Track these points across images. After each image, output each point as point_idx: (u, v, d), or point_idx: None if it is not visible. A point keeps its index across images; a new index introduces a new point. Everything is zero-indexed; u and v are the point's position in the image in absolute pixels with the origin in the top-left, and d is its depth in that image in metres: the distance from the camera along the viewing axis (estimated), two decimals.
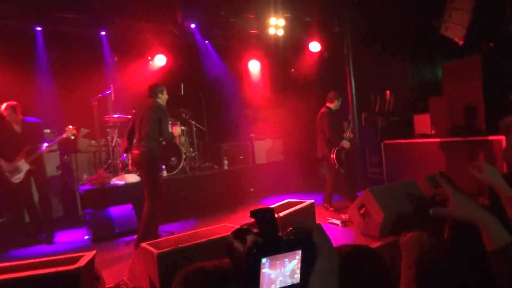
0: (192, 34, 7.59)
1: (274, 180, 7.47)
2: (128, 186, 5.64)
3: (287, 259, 0.74)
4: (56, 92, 6.65)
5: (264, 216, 0.77)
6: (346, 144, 5.57)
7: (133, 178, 5.75)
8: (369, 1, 6.84)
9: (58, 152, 6.28)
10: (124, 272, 3.70)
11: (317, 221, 4.63)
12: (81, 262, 2.77)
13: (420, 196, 4.19)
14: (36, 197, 5.24)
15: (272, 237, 0.75)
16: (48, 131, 5.85)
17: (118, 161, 6.14)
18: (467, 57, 5.82)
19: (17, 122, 5.02)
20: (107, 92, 6.36)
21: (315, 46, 7.89)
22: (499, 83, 5.47)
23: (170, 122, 6.61)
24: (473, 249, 1.12)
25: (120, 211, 5.26)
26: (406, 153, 6.34)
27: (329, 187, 5.77)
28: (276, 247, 0.73)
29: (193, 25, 7.34)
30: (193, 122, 7.17)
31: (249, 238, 0.73)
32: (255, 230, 0.75)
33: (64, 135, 5.04)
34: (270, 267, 0.72)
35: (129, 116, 6.00)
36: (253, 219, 0.77)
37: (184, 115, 7.01)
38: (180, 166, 6.28)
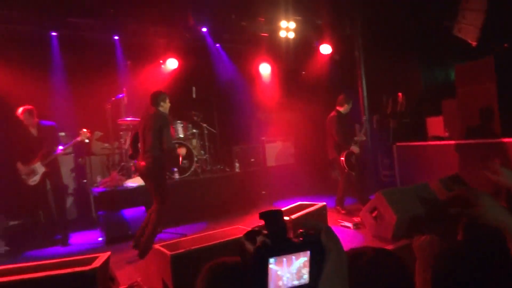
0: (203, 38, 7.65)
1: (286, 183, 7.46)
2: (141, 188, 5.69)
3: (294, 257, 0.76)
4: (70, 95, 6.76)
5: (272, 218, 0.80)
6: (355, 149, 5.53)
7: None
8: (380, 3, 6.81)
9: (73, 154, 6.40)
10: (137, 273, 3.75)
11: (329, 224, 4.63)
12: (97, 263, 2.82)
13: (433, 198, 4.15)
14: (51, 199, 5.34)
15: (280, 238, 0.77)
16: (63, 134, 5.95)
17: (131, 164, 6.22)
18: (481, 58, 5.75)
19: (33, 126, 5.12)
20: (120, 96, 6.45)
21: (326, 49, 7.87)
22: None
23: (182, 125, 6.69)
24: (490, 252, 1.12)
25: (133, 213, 5.33)
26: (419, 155, 6.28)
27: (340, 190, 5.75)
28: (284, 247, 0.76)
29: (204, 29, 7.42)
30: (205, 125, 7.22)
31: (259, 239, 0.76)
32: (265, 232, 0.77)
33: (79, 138, 5.13)
34: (277, 264, 0.74)
35: None
36: (263, 221, 0.79)
37: (195, 118, 7.07)
38: (192, 169, 6.32)
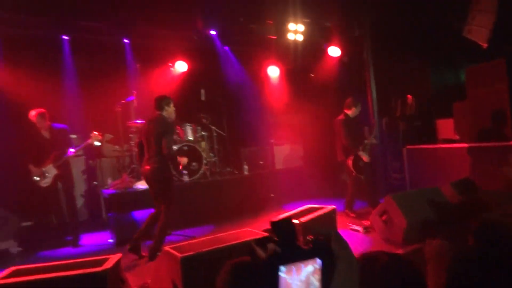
0: (212, 40, 7.71)
1: (295, 186, 7.46)
2: None
3: (303, 265, 0.77)
4: (81, 98, 6.84)
5: (283, 227, 0.81)
6: (364, 157, 5.50)
7: None
8: (389, 4, 6.78)
9: (84, 157, 6.47)
10: (147, 275, 3.78)
11: (339, 228, 4.61)
12: (108, 265, 2.86)
13: (444, 202, 4.11)
14: (63, 201, 5.41)
15: (290, 246, 0.79)
16: (75, 136, 6.02)
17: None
18: (491, 60, 5.69)
19: (46, 128, 5.20)
20: (130, 99, 6.52)
21: (334, 51, 7.86)
22: None
23: (191, 128, 6.72)
24: (503, 256, 1.11)
25: (143, 215, 5.35)
26: (429, 158, 6.22)
27: (349, 193, 5.73)
28: (294, 256, 0.77)
29: (213, 32, 7.46)
30: (214, 127, 7.25)
31: (270, 247, 0.77)
32: (276, 239, 0.79)
33: (90, 141, 5.19)
34: (286, 272, 0.75)
35: None
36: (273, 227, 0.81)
37: (204, 120, 7.10)
38: (201, 171, 6.35)
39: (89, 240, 5.58)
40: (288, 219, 0.83)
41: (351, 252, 0.81)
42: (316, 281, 0.80)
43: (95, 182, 6.65)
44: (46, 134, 5.22)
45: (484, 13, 5.83)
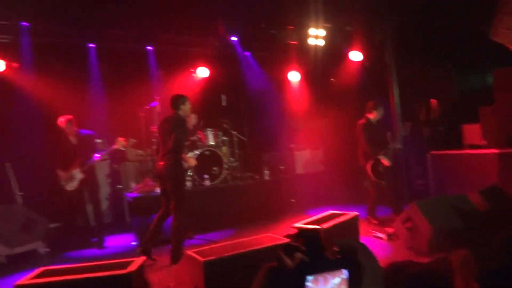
0: (233, 46, 7.78)
1: (316, 191, 7.40)
2: None
3: (330, 276, 0.77)
4: (106, 104, 7.04)
5: (311, 236, 0.82)
6: (386, 161, 5.42)
7: None
8: (412, 7, 6.68)
9: (109, 161, 6.64)
10: (169, 279, 3.83)
11: (361, 235, 4.55)
12: (132, 267, 2.92)
13: (471, 210, 3.99)
14: (88, 204, 5.57)
15: (318, 256, 0.79)
16: (100, 141, 6.19)
17: None
18: None
19: (73, 134, 5.38)
20: (153, 104, 6.65)
21: (355, 55, 7.80)
22: None
23: (212, 133, 6.79)
24: None
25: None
26: (455, 164, 6.06)
27: (370, 200, 5.65)
28: (322, 266, 0.77)
29: (234, 38, 7.54)
30: (235, 132, 7.29)
31: (297, 256, 0.78)
32: (303, 248, 0.79)
33: (115, 146, 5.32)
34: (313, 282, 0.76)
35: None
36: (295, 231, 0.82)
37: (225, 126, 7.16)
38: (222, 176, 6.40)
39: (113, 242, 5.71)
40: (316, 229, 0.84)
41: (377, 263, 0.81)
42: None
43: (119, 186, 6.80)
44: (73, 140, 5.39)
45: None
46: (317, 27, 7.30)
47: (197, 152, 6.24)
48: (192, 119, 6.70)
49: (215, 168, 6.36)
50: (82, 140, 5.41)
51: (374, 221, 5.51)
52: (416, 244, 4.06)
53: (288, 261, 0.80)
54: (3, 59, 6.05)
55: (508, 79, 5.65)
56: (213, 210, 6.05)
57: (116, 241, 5.76)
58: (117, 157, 6.75)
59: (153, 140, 6.66)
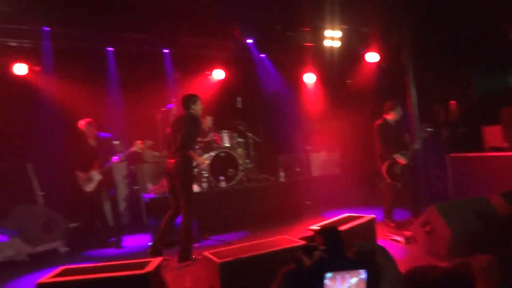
0: (248, 49, 7.80)
1: (331, 193, 7.35)
2: None
3: (348, 275, 0.77)
4: (124, 106, 7.17)
5: (332, 235, 0.82)
6: (401, 159, 5.33)
7: (194, 188, 5.98)
8: (430, 7, 6.57)
9: (126, 162, 6.75)
10: (186, 279, 3.86)
11: (379, 238, 4.49)
12: (150, 267, 2.95)
13: (493, 213, 3.88)
14: (106, 205, 5.67)
15: (337, 254, 0.79)
16: (118, 142, 6.30)
17: None
18: None
19: (93, 137, 5.51)
20: (170, 106, 6.72)
21: (372, 57, 7.72)
22: None
23: (228, 134, 6.82)
24: None
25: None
26: (475, 167, 5.92)
27: (386, 202, 5.57)
28: (341, 264, 0.77)
29: (250, 40, 7.56)
30: (250, 134, 7.31)
31: (316, 254, 0.78)
32: (321, 247, 0.79)
33: (133, 149, 5.41)
34: (331, 280, 0.76)
35: None
36: (312, 233, 0.82)
37: (241, 127, 7.19)
38: (238, 178, 6.42)
39: (130, 242, 5.79)
40: (336, 228, 0.84)
41: (396, 266, 0.80)
42: None
43: (136, 187, 6.90)
44: (92, 142, 5.52)
45: None
46: (333, 28, 7.26)
47: (212, 153, 6.28)
48: (208, 121, 6.75)
49: (230, 170, 6.39)
50: (101, 143, 5.53)
51: (392, 224, 5.43)
52: (435, 248, 3.99)
53: (306, 261, 0.80)
54: (25, 63, 6.24)
55: None
56: (228, 212, 6.07)
57: (133, 241, 5.84)
58: (134, 159, 6.85)
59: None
